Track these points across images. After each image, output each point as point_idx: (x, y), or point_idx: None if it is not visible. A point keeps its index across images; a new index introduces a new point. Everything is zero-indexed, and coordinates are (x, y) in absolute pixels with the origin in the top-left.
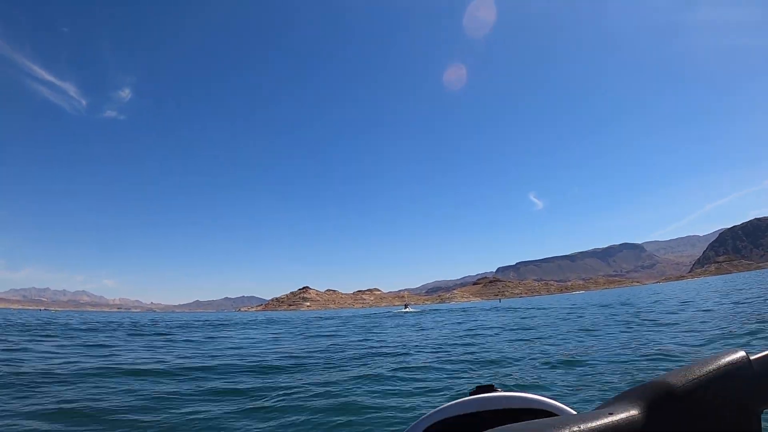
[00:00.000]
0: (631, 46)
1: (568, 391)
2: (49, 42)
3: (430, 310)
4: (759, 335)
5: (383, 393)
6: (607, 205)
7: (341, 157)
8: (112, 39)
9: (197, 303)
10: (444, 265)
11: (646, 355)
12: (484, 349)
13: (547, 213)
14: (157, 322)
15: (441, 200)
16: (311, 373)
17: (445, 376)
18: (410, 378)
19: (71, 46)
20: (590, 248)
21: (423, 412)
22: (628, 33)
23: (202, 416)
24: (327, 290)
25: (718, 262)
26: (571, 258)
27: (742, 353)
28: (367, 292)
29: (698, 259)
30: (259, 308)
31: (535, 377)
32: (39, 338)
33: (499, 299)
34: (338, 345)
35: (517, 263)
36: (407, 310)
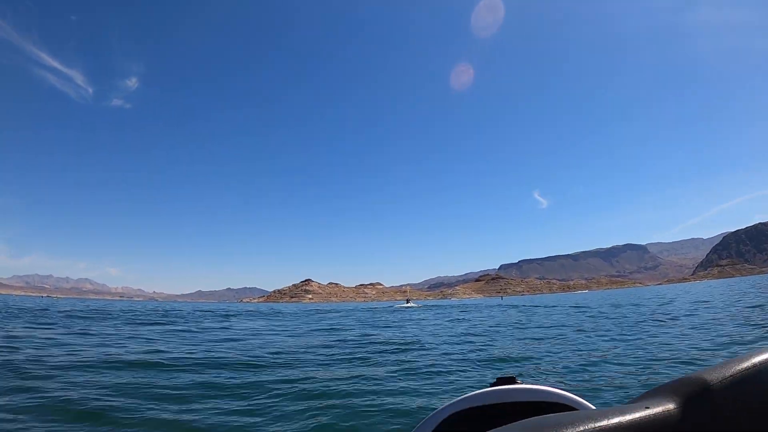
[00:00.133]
0: (639, 46)
1: (594, 388)
2: (57, 29)
3: (432, 305)
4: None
5: (383, 392)
6: (611, 205)
7: (347, 151)
8: (120, 27)
9: (199, 293)
10: (446, 261)
11: (672, 358)
12: (502, 350)
13: (551, 211)
14: (158, 311)
15: (445, 196)
16: (312, 369)
17: (460, 375)
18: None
19: (79, 34)
20: (593, 248)
21: (438, 404)
22: (636, 33)
23: (186, 416)
24: (329, 283)
25: (721, 265)
26: (573, 257)
27: None
28: (369, 286)
29: (701, 262)
30: (261, 299)
31: (564, 374)
32: (33, 325)
33: (501, 297)
34: (341, 340)
35: (519, 261)
36: (409, 304)
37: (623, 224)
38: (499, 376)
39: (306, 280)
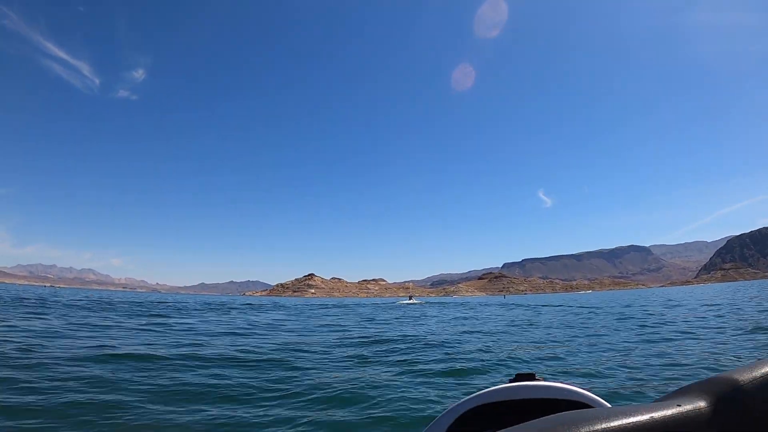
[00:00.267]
0: (644, 48)
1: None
2: (64, 19)
3: (435, 302)
4: None
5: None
6: (615, 206)
7: (353, 147)
8: (127, 18)
9: (202, 285)
10: (450, 259)
11: (696, 361)
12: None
13: (555, 211)
14: (160, 303)
15: (449, 194)
16: (319, 367)
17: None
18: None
19: (86, 25)
20: (597, 248)
21: (454, 400)
22: (641, 35)
23: (172, 417)
24: (332, 278)
25: (724, 269)
26: (577, 257)
27: None
28: (372, 282)
29: (705, 265)
30: (263, 293)
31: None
32: (30, 315)
33: (504, 295)
34: (345, 336)
35: (522, 260)
36: (411, 301)
37: (627, 225)
38: (518, 372)
39: (309, 275)
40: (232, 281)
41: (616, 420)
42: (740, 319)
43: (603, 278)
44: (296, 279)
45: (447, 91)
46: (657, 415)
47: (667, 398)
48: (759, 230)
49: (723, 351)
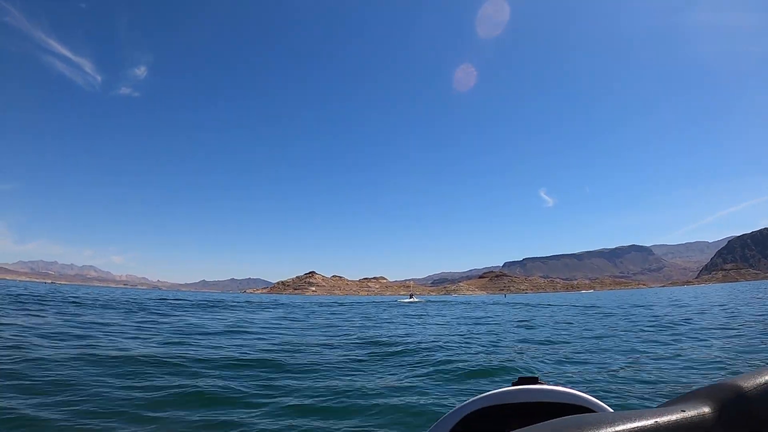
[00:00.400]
0: (645, 48)
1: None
2: (67, 16)
3: (436, 301)
4: None
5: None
6: (617, 205)
7: (354, 145)
8: (129, 16)
9: (203, 283)
10: (450, 257)
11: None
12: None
13: (556, 210)
14: (158, 300)
15: (451, 193)
16: (316, 373)
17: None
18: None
19: (88, 22)
20: (598, 248)
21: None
22: (643, 35)
23: (149, 423)
24: (333, 276)
25: (725, 269)
26: (578, 257)
27: None
28: (372, 280)
29: (705, 265)
30: (264, 291)
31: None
32: (24, 311)
33: (505, 294)
34: (344, 336)
35: (523, 259)
36: (412, 299)
37: (628, 225)
38: (521, 375)
39: (310, 273)
40: (233, 279)
41: (619, 425)
42: (755, 320)
43: (604, 278)
44: (297, 277)
45: (448, 91)
46: (661, 420)
47: (671, 403)
48: (760, 231)
49: (740, 352)
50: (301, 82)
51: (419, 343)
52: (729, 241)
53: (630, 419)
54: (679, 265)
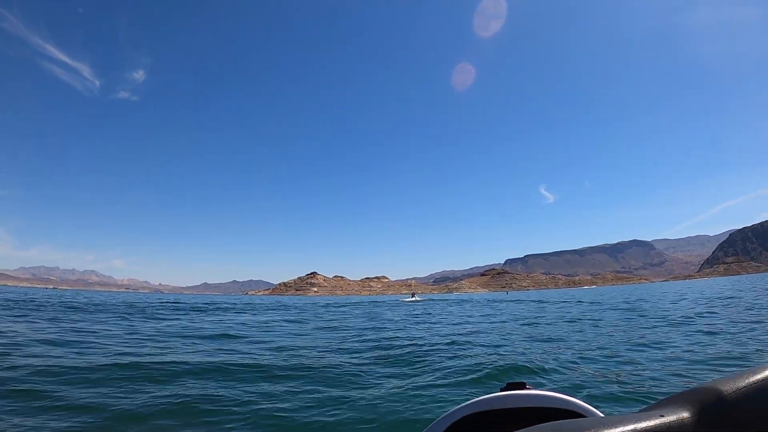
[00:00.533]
0: (644, 45)
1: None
2: (64, 22)
3: (438, 299)
4: None
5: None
6: (617, 201)
7: (354, 144)
8: (126, 19)
9: (205, 285)
10: (452, 255)
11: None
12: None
13: (557, 206)
14: (157, 304)
15: (451, 190)
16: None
17: None
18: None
19: (86, 27)
20: (599, 243)
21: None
22: (642, 31)
23: None
24: (335, 276)
25: (726, 263)
26: (579, 253)
27: None
28: (374, 280)
29: (707, 259)
30: (266, 292)
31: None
32: (20, 318)
33: (507, 291)
34: (346, 338)
35: (525, 256)
36: (414, 298)
37: (629, 220)
38: (508, 381)
39: (311, 273)
40: (234, 281)
41: (598, 430)
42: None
43: (606, 273)
44: (299, 278)
45: (448, 89)
46: (640, 426)
47: (651, 408)
48: (761, 223)
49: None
50: (299, 83)
51: (424, 344)
52: (730, 235)
53: (609, 425)
54: (681, 259)
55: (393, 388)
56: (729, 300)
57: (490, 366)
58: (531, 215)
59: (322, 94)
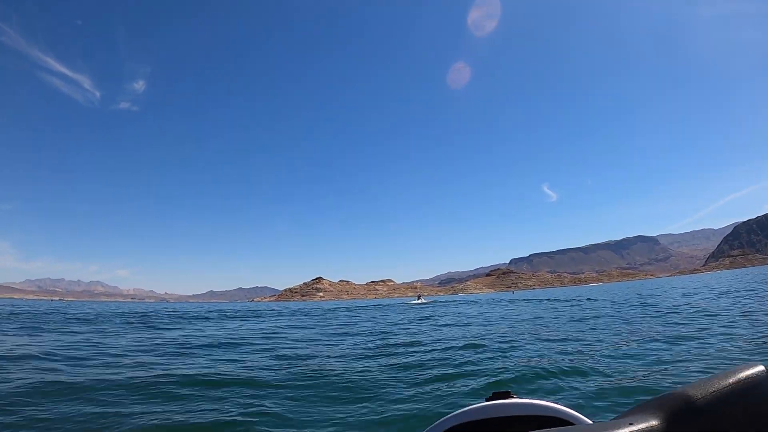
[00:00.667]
0: (644, 40)
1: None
2: (63, 34)
3: (444, 301)
4: None
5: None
6: (621, 197)
7: (354, 147)
8: (125, 30)
9: (211, 293)
10: (457, 257)
11: None
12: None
13: (560, 204)
14: (160, 313)
15: (454, 191)
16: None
17: None
18: None
19: (85, 38)
20: (604, 240)
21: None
22: (642, 26)
23: None
24: (340, 281)
25: (732, 255)
26: (584, 250)
27: (760, 367)
28: (380, 283)
29: (712, 252)
30: (272, 298)
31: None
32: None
33: (513, 291)
34: (352, 345)
35: (530, 255)
36: (420, 301)
37: (633, 216)
38: (494, 390)
39: (317, 278)
40: (240, 288)
41: None
42: None
43: (611, 270)
44: (304, 283)
45: (447, 89)
46: None
47: (622, 416)
48: (765, 215)
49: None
50: (298, 87)
51: (433, 349)
52: (735, 227)
53: None
54: (686, 253)
55: (416, 395)
56: (751, 292)
57: (515, 370)
58: (534, 214)
59: (321, 94)
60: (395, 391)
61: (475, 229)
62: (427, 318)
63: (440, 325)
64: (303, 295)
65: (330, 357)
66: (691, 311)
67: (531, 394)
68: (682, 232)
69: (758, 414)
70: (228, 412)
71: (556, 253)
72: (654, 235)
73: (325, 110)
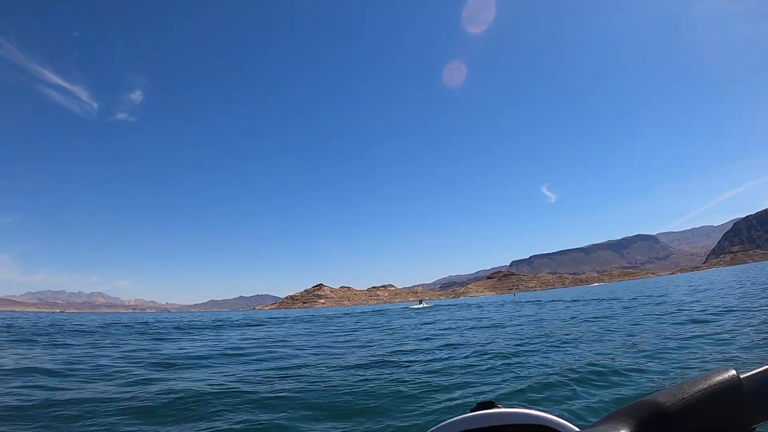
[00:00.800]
0: (642, 37)
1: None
2: (60, 46)
3: (446, 305)
4: None
5: None
6: (620, 196)
7: (353, 150)
8: (122, 41)
9: (212, 302)
10: (457, 260)
11: None
12: None
13: (559, 205)
14: (161, 323)
15: (453, 195)
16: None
17: None
18: None
19: (81, 50)
20: (604, 240)
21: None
22: (640, 25)
23: None
24: (341, 287)
25: (732, 252)
26: (584, 250)
27: (732, 372)
28: (381, 288)
29: (713, 249)
30: (273, 306)
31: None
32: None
33: (514, 293)
34: (352, 355)
35: (530, 257)
36: (421, 305)
37: (633, 215)
38: (479, 401)
39: (318, 285)
40: (241, 296)
41: None
42: None
43: (612, 269)
44: (305, 290)
45: (445, 90)
46: None
47: (596, 425)
48: (765, 210)
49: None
50: (297, 90)
51: (437, 358)
52: (734, 224)
53: None
54: (686, 251)
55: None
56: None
57: (529, 377)
58: (534, 215)
59: (320, 96)
60: (396, 403)
61: (475, 232)
62: (429, 323)
63: (443, 329)
64: (304, 302)
65: (331, 366)
66: (701, 308)
67: (557, 405)
68: (682, 229)
69: (729, 419)
70: (227, 423)
71: (556, 254)
72: (654, 234)
73: (324, 110)
